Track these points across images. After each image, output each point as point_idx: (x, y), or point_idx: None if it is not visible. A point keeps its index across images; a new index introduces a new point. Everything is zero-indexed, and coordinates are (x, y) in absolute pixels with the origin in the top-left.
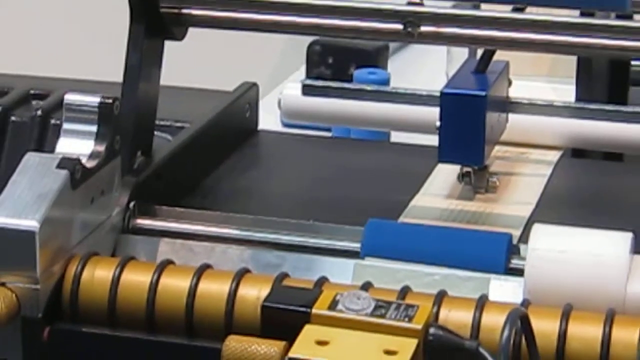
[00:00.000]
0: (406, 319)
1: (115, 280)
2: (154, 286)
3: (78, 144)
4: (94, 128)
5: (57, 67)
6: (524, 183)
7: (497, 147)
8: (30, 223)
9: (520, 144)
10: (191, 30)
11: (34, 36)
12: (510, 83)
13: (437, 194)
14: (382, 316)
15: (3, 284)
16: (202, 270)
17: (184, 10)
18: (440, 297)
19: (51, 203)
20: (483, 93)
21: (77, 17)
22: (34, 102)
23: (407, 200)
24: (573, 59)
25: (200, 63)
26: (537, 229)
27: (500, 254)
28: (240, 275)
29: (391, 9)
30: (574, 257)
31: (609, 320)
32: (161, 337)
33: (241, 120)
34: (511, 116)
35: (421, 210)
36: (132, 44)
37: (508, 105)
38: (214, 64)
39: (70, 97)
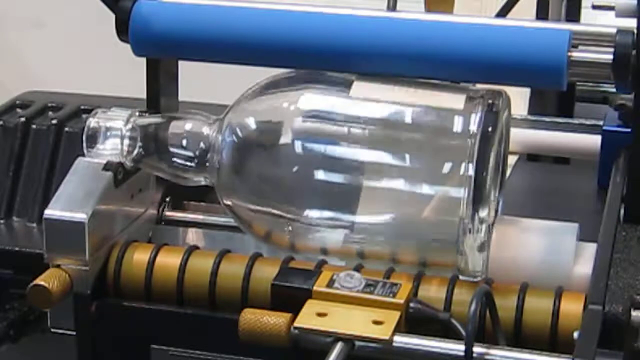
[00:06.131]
0: (391, 295)
1: (151, 263)
2: (182, 267)
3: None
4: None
5: (100, 86)
6: None
7: None
8: (81, 215)
9: None
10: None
11: (79, 62)
12: None
13: None
14: (371, 292)
15: (58, 266)
16: (222, 255)
17: None
18: (419, 277)
19: (98, 199)
20: None
21: (123, 44)
22: (83, 116)
23: None
24: None
25: (219, 83)
26: (500, 219)
27: None
28: (254, 259)
29: None
30: (530, 242)
31: (558, 295)
32: (188, 309)
33: None
34: None
35: None
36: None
37: None
38: (236, 83)
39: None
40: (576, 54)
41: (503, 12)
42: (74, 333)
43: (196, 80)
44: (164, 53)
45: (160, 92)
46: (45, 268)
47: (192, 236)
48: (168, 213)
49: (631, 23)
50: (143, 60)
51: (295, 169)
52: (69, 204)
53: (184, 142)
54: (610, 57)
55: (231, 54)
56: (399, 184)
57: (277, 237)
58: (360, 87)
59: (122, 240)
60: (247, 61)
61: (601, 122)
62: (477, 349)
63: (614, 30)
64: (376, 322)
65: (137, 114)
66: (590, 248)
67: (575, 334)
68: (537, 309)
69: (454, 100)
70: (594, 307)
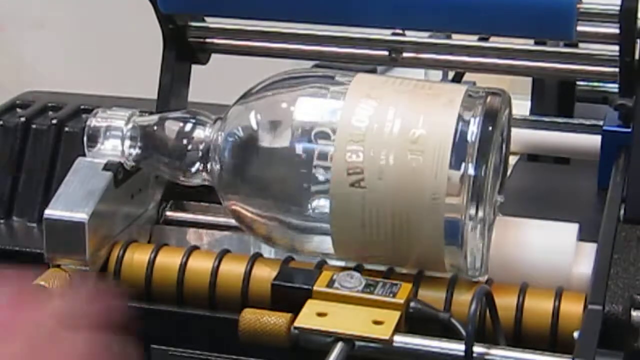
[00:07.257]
0: (391, 295)
1: (151, 263)
2: (182, 268)
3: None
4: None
5: (105, 86)
6: None
7: None
8: (81, 215)
9: None
10: (219, 56)
11: (80, 62)
12: None
13: None
14: (371, 292)
15: (58, 266)
16: (222, 255)
17: (208, 40)
18: (419, 277)
19: (98, 199)
20: None
21: (123, 44)
22: (83, 115)
23: None
24: (529, 79)
25: (225, 82)
26: (500, 220)
27: None
28: (254, 259)
29: (378, 38)
30: (530, 243)
31: (558, 295)
32: (188, 309)
33: None
34: None
35: None
36: (164, 67)
37: None
38: (236, 83)
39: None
40: (585, 5)
41: None
42: None
43: (197, 80)
44: (191, 7)
45: (171, 94)
46: (46, 268)
47: (192, 236)
48: (168, 213)
49: None
50: (143, 60)
51: (295, 169)
52: (69, 204)
53: (185, 142)
54: (618, 7)
55: (261, 9)
56: (398, 183)
57: (278, 237)
58: (359, 86)
59: (122, 240)
60: (275, 17)
61: (601, 122)
62: (477, 349)
63: None
64: (376, 322)
65: (137, 113)
66: (590, 248)
67: (575, 334)
68: (537, 309)
69: (453, 99)
70: (594, 307)
